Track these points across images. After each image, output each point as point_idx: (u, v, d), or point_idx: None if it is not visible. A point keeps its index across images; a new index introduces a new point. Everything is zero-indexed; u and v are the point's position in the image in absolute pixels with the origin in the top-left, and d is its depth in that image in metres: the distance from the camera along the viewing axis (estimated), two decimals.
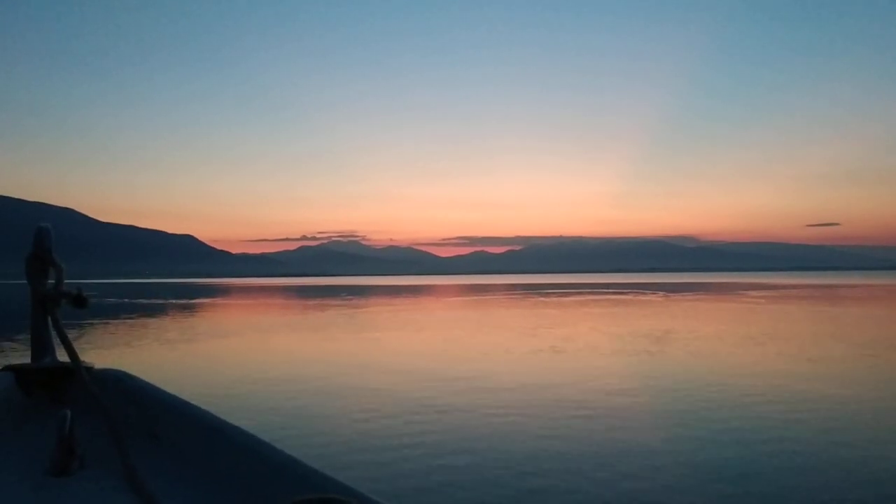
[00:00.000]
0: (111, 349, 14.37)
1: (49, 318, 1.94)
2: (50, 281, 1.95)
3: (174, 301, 43.53)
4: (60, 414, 1.71)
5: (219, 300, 46.46)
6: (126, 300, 44.14)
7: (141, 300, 44.39)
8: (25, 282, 1.92)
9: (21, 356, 1.70)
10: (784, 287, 60.84)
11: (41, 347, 1.96)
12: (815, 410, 7.82)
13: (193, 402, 1.84)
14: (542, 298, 42.24)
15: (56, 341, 1.98)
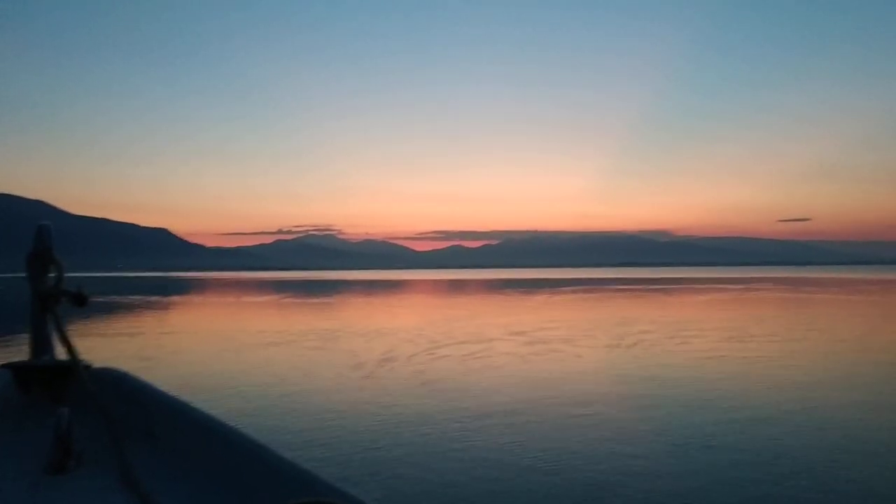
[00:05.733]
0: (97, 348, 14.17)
1: (49, 316, 1.93)
2: (51, 275, 1.94)
3: (149, 298, 42.93)
4: (58, 412, 1.72)
5: (198, 296, 45.80)
6: (100, 298, 43.41)
7: (114, 296, 43.67)
8: (16, 276, 1.91)
9: (18, 354, 1.69)
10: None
11: (40, 345, 1.95)
12: None
13: (191, 402, 1.84)
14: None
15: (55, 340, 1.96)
